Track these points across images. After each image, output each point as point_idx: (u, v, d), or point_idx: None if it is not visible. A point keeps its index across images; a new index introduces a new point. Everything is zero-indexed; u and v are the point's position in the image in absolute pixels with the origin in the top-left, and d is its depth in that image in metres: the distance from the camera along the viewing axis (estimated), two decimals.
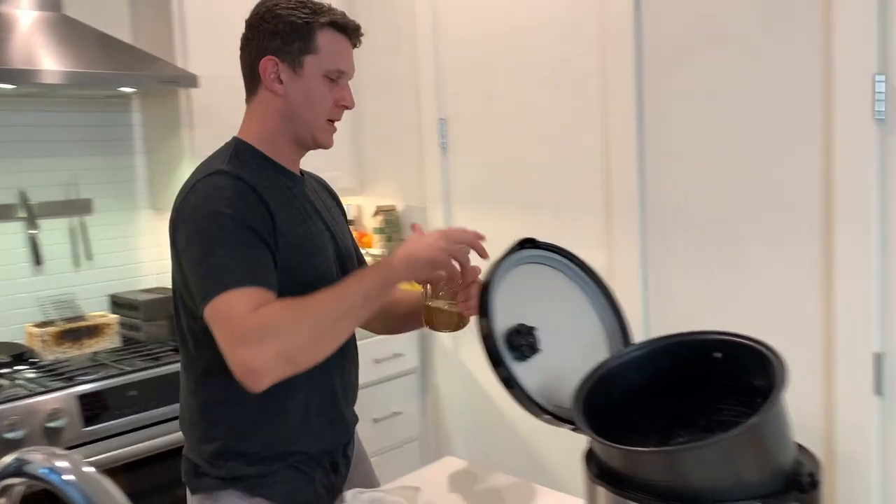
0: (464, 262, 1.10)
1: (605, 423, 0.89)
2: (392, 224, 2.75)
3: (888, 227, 1.71)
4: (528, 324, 0.96)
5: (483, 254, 1.11)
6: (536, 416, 0.93)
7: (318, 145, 1.28)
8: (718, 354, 0.88)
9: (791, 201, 1.87)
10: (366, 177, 2.94)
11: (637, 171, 2.16)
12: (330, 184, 1.46)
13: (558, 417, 0.93)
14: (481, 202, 2.61)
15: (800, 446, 0.83)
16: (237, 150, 1.24)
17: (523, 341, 0.93)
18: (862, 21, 1.71)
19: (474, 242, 1.10)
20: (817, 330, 1.85)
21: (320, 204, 1.33)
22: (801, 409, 1.87)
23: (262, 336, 1.03)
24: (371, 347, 2.57)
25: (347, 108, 1.26)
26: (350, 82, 1.30)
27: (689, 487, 0.77)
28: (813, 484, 0.75)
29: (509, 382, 0.91)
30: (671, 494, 0.77)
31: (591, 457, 0.87)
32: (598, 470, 0.84)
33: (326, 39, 1.21)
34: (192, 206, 1.15)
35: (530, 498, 1.23)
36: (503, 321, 0.95)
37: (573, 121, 2.31)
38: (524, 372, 0.94)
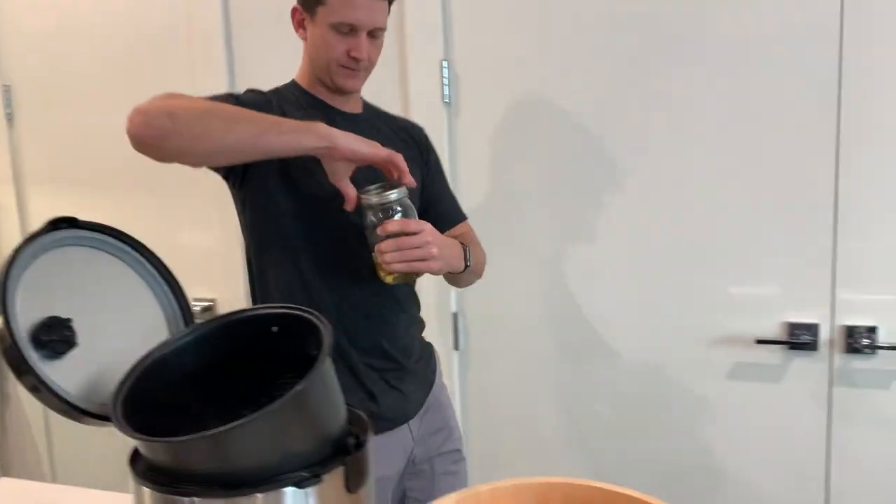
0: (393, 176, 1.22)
1: (157, 417, 0.82)
2: None
3: (460, 200, 1.91)
4: (63, 315, 0.83)
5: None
6: (76, 420, 0.81)
7: (339, 89, 1.35)
8: (275, 328, 0.87)
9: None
10: None
11: None
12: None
13: (104, 417, 0.82)
14: (65, 182, 2.30)
15: (350, 408, 0.86)
16: (283, 86, 1.39)
17: (55, 336, 0.81)
18: (429, 12, 1.86)
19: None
20: None
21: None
22: None
23: (166, 95, 1.16)
24: None
25: (358, 58, 1.30)
26: None
27: (238, 469, 0.73)
28: (358, 445, 0.77)
29: (36, 388, 0.77)
30: (220, 480, 0.73)
31: (136, 456, 0.78)
32: (147, 469, 0.77)
33: None
34: None
35: None
36: (29, 316, 0.81)
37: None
38: (60, 371, 0.81)
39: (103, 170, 2.22)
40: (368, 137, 1.25)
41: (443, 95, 1.88)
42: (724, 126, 1.66)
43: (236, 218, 2.06)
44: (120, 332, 0.90)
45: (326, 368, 0.77)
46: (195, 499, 0.73)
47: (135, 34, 2.14)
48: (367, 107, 1.47)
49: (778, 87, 1.61)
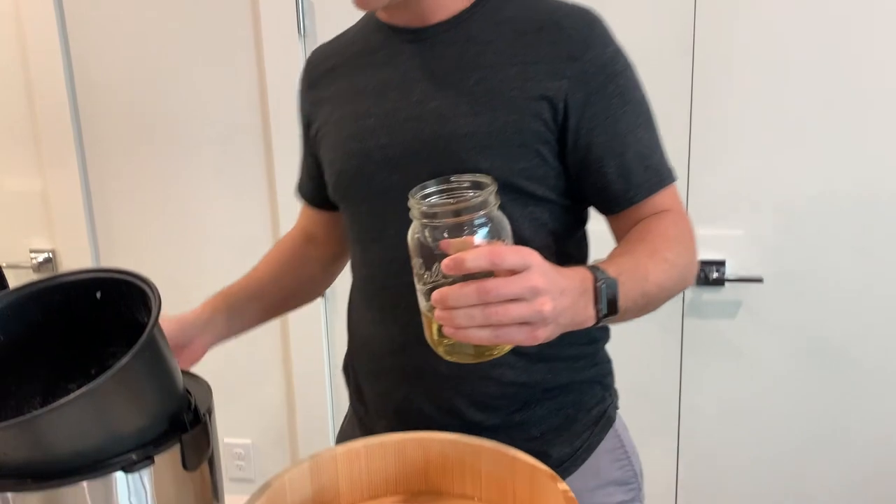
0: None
1: None
2: None
3: None
4: None
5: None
6: None
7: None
8: (98, 294, 0.78)
9: (234, 115, 1.86)
10: None
11: (67, 85, 1.89)
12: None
13: None
14: None
15: (191, 376, 0.79)
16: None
17: None
18: None
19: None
20: (268, 234, 1.90)
21: (431, 68, 0.90)
22: None
23: None
24: None
25: None
26: None
27: (57, 457, 0.65)
28: (196, 419, 0.71)
29: None
30: (37, 470, 0.65)
31: None
32: None
33: None
34: None
35: None
36: None
37: None
38: None
39: None
40: (442, 54, 0.89)
41: (299, 27, 1.76)
42: None
43: (72, 161, 1.89)
44: None
45: (156, 338, 0.69)
46: (9, 494, 0.65)
47: None
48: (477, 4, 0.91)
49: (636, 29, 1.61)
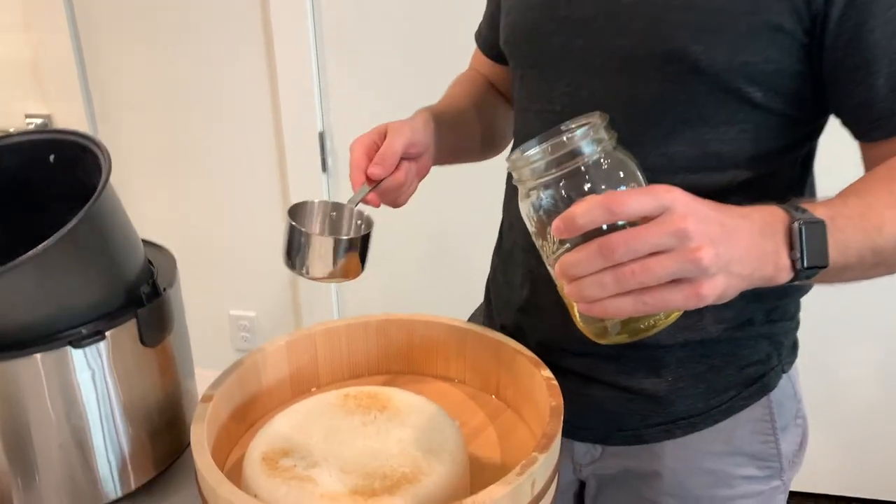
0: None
1: None
2: None
3: (320, 13, 1.71)
4: None
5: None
6: None
7: None
8: (52, 158, 0.72)
9: None
10: None
11: None
12: None
13: None
14: None
15: (155, 247, 0.74)
16: None
17: None
18: None
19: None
20: (268, 114, 1.82)
21: None
22: (260, 185, 1.89)
23: None
24: None
25: None
26: None
27: (5, 327, 0.61)
28: (155, 293, 0.67)
29: None
30: None
31: None
32: None
33: None
34: None
35: None
36: None
37: None
38: None
39: None
40: None
41: None
42: None
43: (64, 26, 1.78)
44: None
45: (107, 202, 0.64)
46: None
47: None
48: None
49: None
